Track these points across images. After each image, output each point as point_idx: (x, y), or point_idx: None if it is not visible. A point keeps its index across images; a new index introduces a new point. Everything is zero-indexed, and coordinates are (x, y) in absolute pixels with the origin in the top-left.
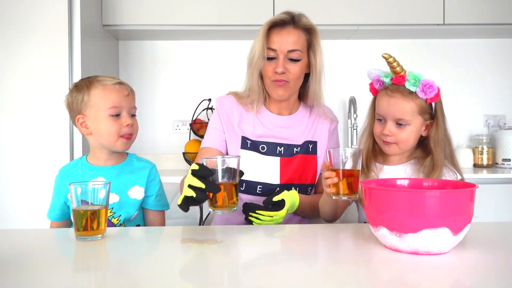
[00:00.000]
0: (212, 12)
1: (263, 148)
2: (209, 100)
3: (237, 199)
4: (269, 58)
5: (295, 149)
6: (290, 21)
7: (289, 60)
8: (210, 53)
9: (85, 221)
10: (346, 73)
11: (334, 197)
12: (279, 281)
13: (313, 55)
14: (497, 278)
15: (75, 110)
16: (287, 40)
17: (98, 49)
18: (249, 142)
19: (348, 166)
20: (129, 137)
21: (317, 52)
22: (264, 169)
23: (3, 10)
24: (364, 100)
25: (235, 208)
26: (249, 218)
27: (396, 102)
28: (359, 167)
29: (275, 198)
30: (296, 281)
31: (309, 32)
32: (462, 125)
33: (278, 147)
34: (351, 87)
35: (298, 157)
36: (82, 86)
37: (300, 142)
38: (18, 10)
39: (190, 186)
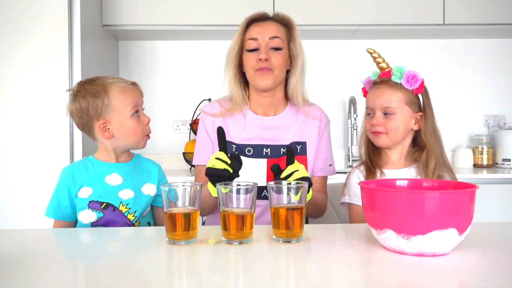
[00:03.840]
0: (212, 12)
1: (249, 151)
2: (209, 100)
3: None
4: (251, 50)
5: (282, 149)
6: (268, 16)
7: (271, 49)
8: (210, 53)
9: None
10: (346, 73)
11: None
12: (279, 283)
13: (294, 46)
14: (502, 279)
15: (92, 116)
16: (268, 29)
17: (98, 49)
18: (234, 146)
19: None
20: (148, 136)
21: (297, 43)
22: (250, 172)
23: (3, 10)
24: (364, 100)
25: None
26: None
27: (382, 92)
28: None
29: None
30: (297, 283)
31: (287, 26)
32: (462, 125)
33: (265, 149)
34: (351, 87)
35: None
36: (99, 91)
37: (287, 143)
38: (18, 10)
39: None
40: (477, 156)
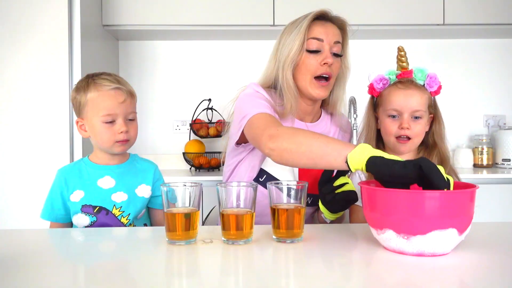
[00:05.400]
0: (211, 12)
1: None
2: (209, 100)
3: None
4: (312, 51)
5: None
6: (330, 16)
7: (332, 54)
8: (210, 53)
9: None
10: None
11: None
12: (279, 283)
13: (345, 55)
14: (502, 279)
15: (75, 111)
16: (333, 32)
17: (98, 49)
18: None
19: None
20: (125, 142)
21: (347, 51)
22: (284, 171)
23: (3, 10)
24: (364, 100)
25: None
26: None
27: (413, 94)
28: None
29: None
30: (297, 283)
31: (341, 30)
32: (462, 125)
33: None
34: (351, 87)
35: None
36: (80, 88)
37: None
38: (18, 10)
39: None
40: (477, 156)
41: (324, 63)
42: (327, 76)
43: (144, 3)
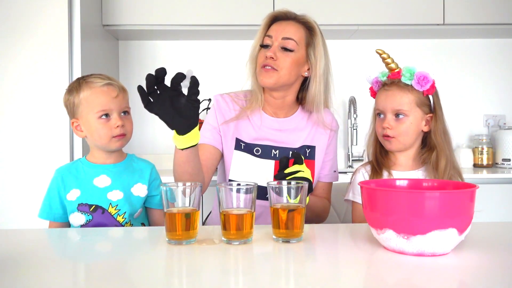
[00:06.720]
0: (212, 12)
1: (257, 151)
2: (209, 100)
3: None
4: (265, 46)
5: (291, 152)
6: (292, 16)
7: (282, 49)
8: (210, 53)
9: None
10: (346, 73)
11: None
12: (279, 283)
13: (312, 53)
14: (502, 279)
15: (69, 113)
16: (285, 29)
17: (98, 49)
18: (243, 144)
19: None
20: (122, 137)
21: (318, 52)
22: (258, 172)
23: (2, 10)
24: (364, 100)
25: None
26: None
27: (393, 94)
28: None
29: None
30: (297, 283)
31: (310, 30)
32: (462, 125)
33: (273, 150)
34: (351, 87)
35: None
36: (73, 89)
37: (296, 146)
38: (18, 10)
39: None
40: (477, 156)
41: (265, 56)
42: (269, 67)
43: (144, 3)
